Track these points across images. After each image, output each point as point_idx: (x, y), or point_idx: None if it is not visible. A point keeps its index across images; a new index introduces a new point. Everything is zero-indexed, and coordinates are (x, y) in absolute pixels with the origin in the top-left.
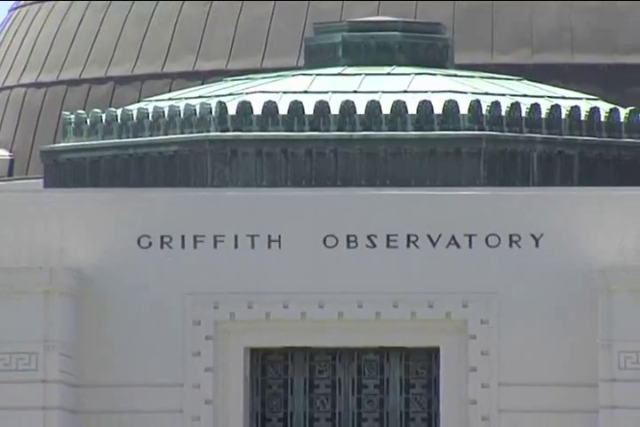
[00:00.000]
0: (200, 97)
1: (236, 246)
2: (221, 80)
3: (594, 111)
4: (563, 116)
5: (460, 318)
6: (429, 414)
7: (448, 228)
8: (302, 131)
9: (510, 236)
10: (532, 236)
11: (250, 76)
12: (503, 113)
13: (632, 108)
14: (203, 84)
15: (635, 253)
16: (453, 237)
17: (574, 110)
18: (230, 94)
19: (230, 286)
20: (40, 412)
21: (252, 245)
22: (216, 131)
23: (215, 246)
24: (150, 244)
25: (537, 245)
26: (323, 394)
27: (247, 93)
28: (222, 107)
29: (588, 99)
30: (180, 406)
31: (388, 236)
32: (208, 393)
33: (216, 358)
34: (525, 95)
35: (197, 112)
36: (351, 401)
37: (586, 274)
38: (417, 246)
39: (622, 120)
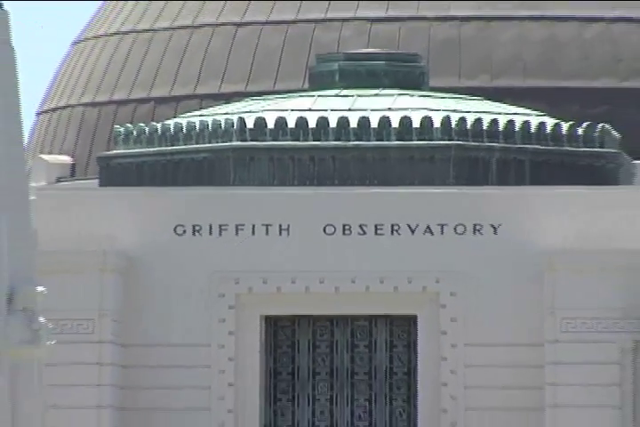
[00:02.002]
0: (225, 113)
1: (253, 234)
2: (242, 100)
3: (541, 125)
4: (516, 129)
5: (434, 291)
6: (409, 369)
7: (424, 219)
8: (307, 141)
9: (474, 225)
10: (492, 226)
11: (264, 96)
12: (469, 126)
13: (572, 122)
14: (226, 103)
15: (574, 240)
16: (428, 227)
17: (526, 124)
18: (249, 111)
19: (248, 266)
20: (96, 367)
21: (267, 233)
22: (237, 141)
23: (237, 234)
24: (184, 231)
25: (495, 232)
26: (323, 353)
27: (262, 111)
28: (242, 122)
29: (536, 115)
30: (208, 363)
31: (375, 225)
32: (231, 352)
33: (237, 324)
34: (486, 112)
35: (222, 126)
36: (346, 358)
37: (535, 256)
38: (399, 234)
39: (564, 132)
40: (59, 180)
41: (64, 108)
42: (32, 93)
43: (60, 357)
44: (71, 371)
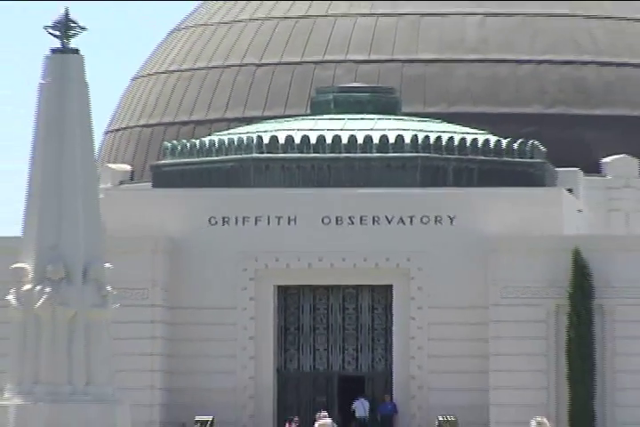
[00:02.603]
0: (247, 133)
1: (268, 223)
2: (259, 122)
3: (486, 141)
4: (467, 144)
5: (405, 267)
6: (386, 326)
7: (398, 212)
8: (309, 153)
9: (435, 217)
10: (449, 217)
11: (277, 119)
12: (431, 142)
13: (509, 139)
14: (248, 124)
15: (511, 228)
16: (401, 218)
17: (474, 141)
18: (265, 131)
19: (265, 247)
20: (150, 324)
21: (278, 223)
22: (256, 153)
23: (256, 224)
24: (216, 222)
25: (452, 223)
26: (321, 313)
27: (275, 130)
28: (260, 139)
29: (482, 134)
30: (234, 321)
31: (361, 217)
32: (252, 313)
33: (256, 292)
34: (444, 131)
35: (245, 142)
36: (339, 318)
37: (481, 240)
38: (379, 224)
39: (504, 147)
40: (121, 183)
41: (125, 128)
42: (100, 117)
43: (122, 317)
44: (131, 327)
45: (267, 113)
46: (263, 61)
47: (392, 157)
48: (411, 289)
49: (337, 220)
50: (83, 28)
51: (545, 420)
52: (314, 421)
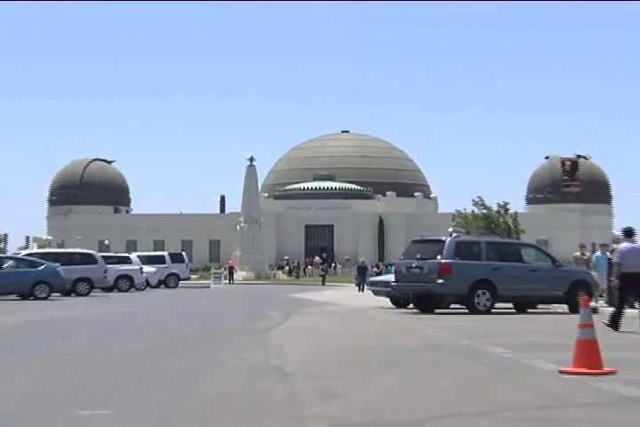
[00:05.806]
0: (299, 185)
1: (304, 209)
2: (300, 183)
3: (357, 188)
4: (354, 188)
5: (339, 220)
6: (335, 237)
7: (335, 205)
8: (313, 191)
9: (344, 207)
10: (349, 207)
11: (303, 182)
12: (344, 188)
13: (366, 188)
14: (296, 184)
15: (364, 211)
16: (336, 207)
17: (356, 188)
18: (301, 185)
19: (302, 215)
20: (274, 234)
21: (306, 210)
22: (298, 191)
23: (301, 209)
24: (289, 208)
25: (350, 209)
26: (317, 232)
27: (304, 185)
28: (299, 187)
29: (360, 186)
30: (292, 233)
31: (325, 207)
32: (299, 233)
33: (299, 226)
34: (349, 185)
35: (296, 187)
36: (322, 234)
37: (356, 214)
38: (331, 209)
39: (363, 189)
40: (264, 198)
41: (266, 185)
42: (260, 181)
43: (264, 232)
44: (268, 234)
45: (301, 180)
46: (300, 167)
47: (335, 192)
48: (340, 227)
49: (321, 208)
50: (254, 159)
51: (365, 259)
52: (313, 258)
